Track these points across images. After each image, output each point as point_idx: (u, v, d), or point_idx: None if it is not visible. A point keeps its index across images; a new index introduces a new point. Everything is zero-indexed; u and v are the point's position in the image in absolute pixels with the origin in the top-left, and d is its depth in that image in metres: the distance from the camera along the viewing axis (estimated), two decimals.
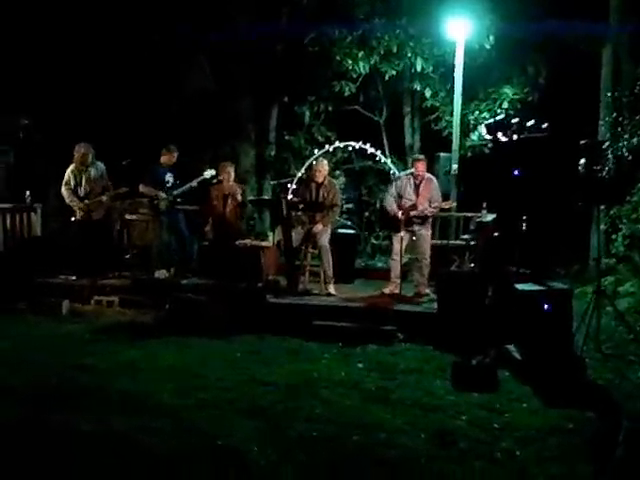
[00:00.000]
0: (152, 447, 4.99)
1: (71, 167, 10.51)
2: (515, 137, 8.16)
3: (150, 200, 10.51)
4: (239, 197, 10.21)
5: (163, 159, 10.62)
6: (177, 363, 7.17)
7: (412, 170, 9.67)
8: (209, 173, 10.43)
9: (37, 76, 12.66)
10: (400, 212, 9.49)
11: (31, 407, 5.78)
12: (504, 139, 8.24)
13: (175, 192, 10.45)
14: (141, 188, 10.52)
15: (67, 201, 10.47)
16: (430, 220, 9.77)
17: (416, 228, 9.58)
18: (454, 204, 10.18)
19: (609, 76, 12.16)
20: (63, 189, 10.45)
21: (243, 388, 6.39)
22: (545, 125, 8.22)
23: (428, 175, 9.77)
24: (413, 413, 5.85)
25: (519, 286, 7.54)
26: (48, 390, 6.23)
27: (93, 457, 4.85)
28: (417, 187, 9.65)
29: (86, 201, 10.41)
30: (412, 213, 9.51)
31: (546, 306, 7.04)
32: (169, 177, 10.52)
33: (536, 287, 7.41)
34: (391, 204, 9.67)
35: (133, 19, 12.73)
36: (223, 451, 4.99)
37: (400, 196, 9.65)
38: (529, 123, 8.21)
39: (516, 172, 8.24)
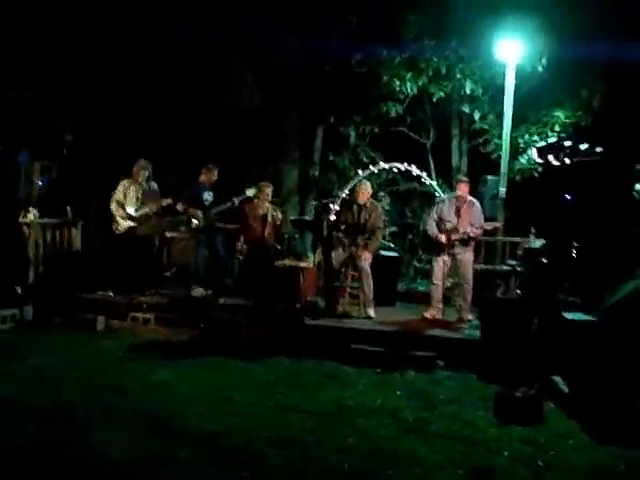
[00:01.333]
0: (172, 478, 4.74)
1: (124, 181, 10.49)
2: (567, 161, 7.82)
3: (187, 218, 10.37)
4: (277, 219, 10.03)
5: (202, 178, 10.53)
6: (209, 386, 6.96)
7: (455, 193, 9.39)
8: (251, 192, 10.28)
9: (82, 91, 12.67)
10: (442, 235, 9.20)
11: (58, 428, 5.62)
12: (556, 163, 7.90)
13: (214, 210, 10.32)
14: (179, 206, 10.42)
15: (114, 213, 10.40)
16: (472, 243, 9.46)
17: (457, 251, 9.29)
18: (498, 225, 9.82)
19: None
20: (113, 202, 10.40)
21: (275, 414, 6.14)
22: (599, 149, 7.87)
23: (470, 198, 9.51)
24: (452, 447, 5.52)
25: (568, 315, 7.18)
26: (77, 411, 6.06)
27: None
28: (459, 210, 9.39)
29: (134, 214, 10.34)
30: (454, 236, 9.22)
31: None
32: (208, 196, 10.42)
33: (585, 317, 7.04)
34: (432, 227, 9.43)
35: (181, 33, 12.69)
36: None
37: (441, 219, 9.39)
38: (582, 147, 7.86)
39: (568, 197, 7.89)
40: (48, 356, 7.94)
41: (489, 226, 9.49)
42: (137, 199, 10.43)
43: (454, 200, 9.44)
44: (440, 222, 9.40)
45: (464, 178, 9.86)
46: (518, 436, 5.82)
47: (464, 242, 9.27)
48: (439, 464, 5.16)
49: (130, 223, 10.39)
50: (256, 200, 10.13)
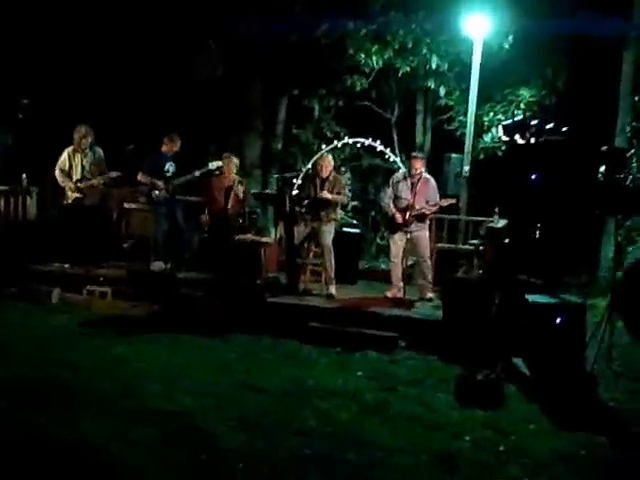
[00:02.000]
0: (124, 460, 4.60)
1: (68, 149, 10.18)
2: (533, 140, 7.74)
3: (148, 189, 10.13)
4: (240, 192, 9.84)
5: (164, 148, 10.24)
6: (166, 363, 6.79)
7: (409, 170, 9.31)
8: (214, 164, 10.06)
9: (39, 55, 12.30)
10: (398, 213, 9.13)
11: (6, 405, 5.41)
12: (521, 141, 7.81)
13: (176, 182, 10.08)
14: (139, 177, 10.15)
15: (59, 182, 10.13)
16: (427, 220, 9.39)
17: (413, 229, 9.21)
18: (454, 201, 9.73)
19: (629, 80, 11.78)
20: (57, 170, 10.11)
21: (234, 394, 6.00)
22: (565, 129, 7.80)
23: (425, 174, 9.38)
24: (414, 430, 5.45)
25: (531, 297, 7.15)
26: (27, 387, 5.85)
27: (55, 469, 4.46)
28: (414, 187, 9.26)
29: (78, 183, 10.04)
30: (409, 213, 9.14)
31: (559, 320, 6.66)
32: (170, 166, 10.15)
33: (549, 299, 7.02)
34: (388, 204, 9.33)
35: (143, 3, 12.36)
36: (206, 468, 4.61)
37: (397, 196, 9.29)
38: (548, 126, 7.78)
39: (533, 177, 7.82)
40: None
41: (445, 202, 9.38)
42: (82, 167, 10.11)
43: (409, 177, 9.33)
44: (396, 199, 9.29)
45: (418, 154, 9.77)
46: (480, 420, 5.77)
47: (419, 219, 9.19)
48: (401, 448, 5.08)
49: (77, 194, 10.10)
50: (221, 172, 9.92)
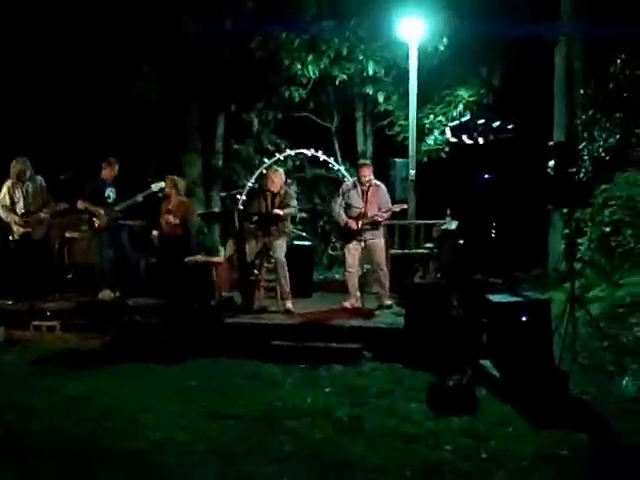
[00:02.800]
0: None
1: (7, 183, 9.80)
2: (481, 140, 7.69)
3: (89, 217, 9.79)
4: (187, 213, 9.60)
5: (104, 173, 9.94)
6: (126, 396, 6.45)
7: (358, 178, 9.19)
8: (157, 186, 9.81)
9: None
10: (351, 221, 8.99)
11: None
12: (469, 141, 7.76)
13: (118, 207, 9.78)
14: (79, 204, 9.82)
15: (3, 218, 9.76)
16: (382, 228, 9.26)
17: (368, 237, 9.06)
18: (406, 206, 9.65)
19: (562, 75, 11.94)
20: (0, 207, 9.72)
21: (201, 425, 5.72)
22: (511, 126, 7.78)
23: (375, 181, 9.26)
24: (392, 445, 5.27)
25: (493, 297, 7.06)
26: None
27: None
28: (364, 194, 9.12)
29: (25, 217, 9.66)
30: (362, 221, 9.00)
31: (523, 318, 6.58)
32: (110, 192, 9.86)
33: (511, 298, 6.94)
34: (340, 214, 9.17)
35: (73, 21, 12.00)
36: None
37: (348, 205, 9.14)
38: (495, 124, 7.75)
39: (485, 176, 7.77)
40: None
41: (397, 208, 9.29)
42: (26, 199, 9.76)
43: (359, 185, 9.19)
44: (347, 208, 9.15)
45: (365, 161, 9.73)
46: (457, 428, 5.62)
47: (374, 226, 9.06)
48: (382, 466, 4.89)
49: (23, 228, 9.73)
50: (164, 195, 9.67)
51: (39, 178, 9.92)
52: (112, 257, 9.86)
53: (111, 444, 5.30)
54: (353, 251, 9.10)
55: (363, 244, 9.06)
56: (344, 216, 9.11)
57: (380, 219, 9.08)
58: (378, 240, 9.15)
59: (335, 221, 9.44)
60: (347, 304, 9.09)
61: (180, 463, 4.96)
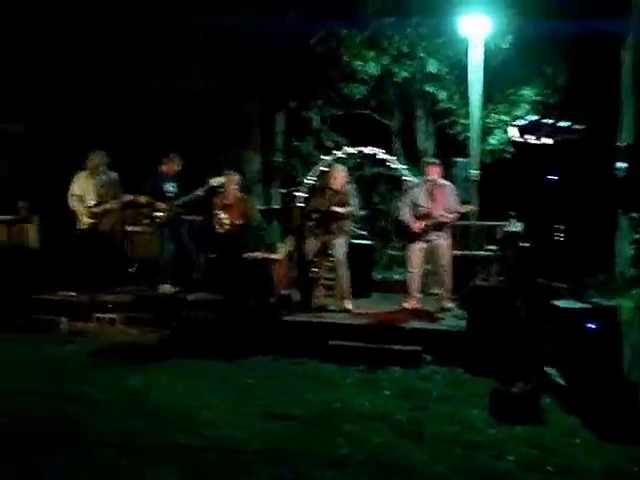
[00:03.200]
0: None
1: (81, 174, 9.96)
2: (548, 140, 7.47)
3: (150, 211, 9.84)
4: (244, 209, 9.57)
5: (164, 168, 9.97)
6: (183, 392, 6.45)
7: (425, 177, 9.00)
8: (217, 181, 9.77)
9: (32, 80, 12.00)
10: (414, 221, 8.82)
11: (14, 448, 5.07)
12: (535, 142, 7.55)
13: (178, 202, 9.80)
14: (141, 199, 9.88)
15: (73, 207, 9.89)
16: (447, 228, 9.04)
17: (433, 237, 8.86)
18: (473, 207, 9.41)
19: (630, 73, 11.57)
20: (70, 196, 9.88)
21: (258, 424, 5.66)
22: (578, 127, 7.54)
23: (442, 181, 9.05)
24: (453, 453, 5.14)
25: (559, 303, 6.86)
26: (37, 426, 5.51)
27: None
28: (431, 194, 8.92)
29: (93, 208, 9.79)
30: (428, 222, 8.81)
31: (591, 325, 6.37)
32: (170, 187, 9.88)
33: (578, 304, 6.73)
34: (405, 213, 8.98)
35: (133, 18, 12.08)
36: None
37: (415, 205, 8.94)
38: (562, 124, 7.52)
39: (551, 177, 7.54)
40: (5, 364, 7.35)
41: (464, 209, 9.10)
42: (96, 192, 9.88)
43: (426, 184, 8.99)
44: (413, 207, 8.95)
45: (433, 160, 9.34)
46: (520, 437, 5.45)
47: (438, 227, 8.86)
48: (442, 474, 4.76)
49: (92, 219, 9.85)
50: (223, 190, 9.64)
51: (114, 173, 10.03)
52: (172, 251, 9.89)
53: (166, 439, 5.28)
54: (417, 251, 8.92)
55: (425, 245, 8.91)
56: (408, 216, 8.93)
57: (446, 220, 8.87)
58: (443, 240, 8.93)
59: (399, 220, 9.26)
60: (407, 305, 8.94)
61: (234, 461, 4.90)
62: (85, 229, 9.87)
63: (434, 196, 8.92)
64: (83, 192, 9.87)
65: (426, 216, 8.86)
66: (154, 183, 9.91)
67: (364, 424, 5.71)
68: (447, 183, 9.13)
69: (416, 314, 8.66)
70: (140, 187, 9.95)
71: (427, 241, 8.91)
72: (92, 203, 9.85)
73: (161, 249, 9.90)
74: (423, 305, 8.93)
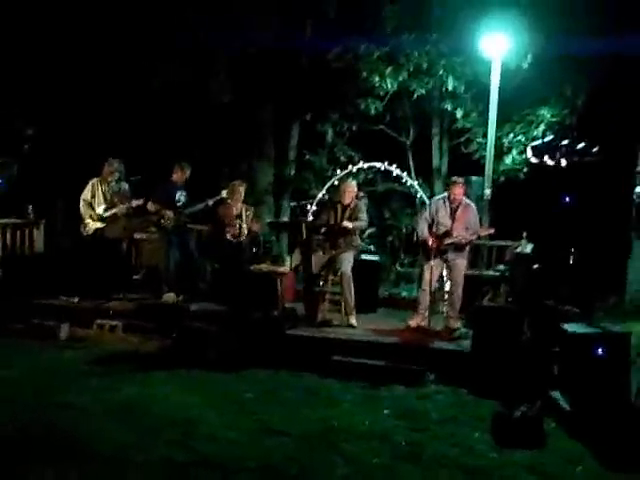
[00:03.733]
0: None
1: (94, 180, 9.92)
2: (564, 161, 7.32)
3: (157, 219, 9.76)
4: (250, 222, 9.48)
5: (175, 177, 9.91)
6: (180, 404, 6.34)
7: (446, 194, 8.87)
8: (227, 192, 9.71)
9: (44, 85, 11.98)
10: (431, 239, 8.68)
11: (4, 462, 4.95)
12: (551, 162, 7.40)
13: (187, 211, 9.73)
14: (149, 206, 9.81)
15: (82, 214, 9.84)
16: (467, 249, 8.90)
17: (450, 257, 8.72)
18: (493, 231, 9.21)
19: None
20: (81, 200, 9.84)
21: (253, 439, 5.55)
22: (596, 149, 7.38)
23: (466, 200, 8.90)
24: (452, 477, 5.00)
25: (568, 327, 6.71)
26: (26, 436, 5.41)
27: None
28: (453, 213, 8.76)
29: (103, 214, 9.75)
30: (446, 241, 8.67)
31: (600, 351, 6.21)
32: (180, 195, 9.82)
33: (587, 329, 6.57)
34: (423, 229, 8.85)
35: (149, 24, 12.04)
36: None
37: (434, 221, 8.80)
38: (579, 146, 7.37)
39: (567, 199, 7.39)
40: (2, 369, 7.27)
41: (484, 232, 8.95)
42: (106, 199, 9.85)
43: (448, 202, 8.83)
44: (434, 225, 8.80)
45: (459, 179, 9.07)
46: (522, 463, 5.31)
47: (458, 248, 8.71)
48: None
49: (98, 224, 9.79)
50: (229, 201, 9.57)
51: (125, 184, 10.01)
52: (178, 260, 9.81)
53: (158, 454, 5.16)
54: (433, 269, 8.78)
55: (445, 263, 8.78)
56: (426, 232, 8.79)
57: (465, 241, 8.72)
58: (460, 261, 8.80)
59: (417, 236, 9.12)
60: (412, 322, 8.80)
61: (228, 479, 4.76)
62: (90, 235, 9.79)
63: (456, 215, 8.78)
64: (92, 198, 9.83)
65: (446, 234, 8.72)
66: (164, 191, 9.86)
67: (362, 444, 5.59)
68: (470, 203, 8.98)
69: (421, 332, 8.52)
70: (151, 194, 9.87)
71: (445, 260, 8.80)
72: (101, 209, 9.78)
73: (167, 257, 9.82)
74: (430, 324, 8.77)
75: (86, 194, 9.85)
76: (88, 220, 9.81)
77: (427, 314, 8.80)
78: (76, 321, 9.26)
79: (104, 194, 9.87)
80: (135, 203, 9.83)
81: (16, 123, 11.96)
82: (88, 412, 6.03)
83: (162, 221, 9.71)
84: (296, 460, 5.15)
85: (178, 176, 9.92)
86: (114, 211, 9.82)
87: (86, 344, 8.68)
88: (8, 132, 11.84)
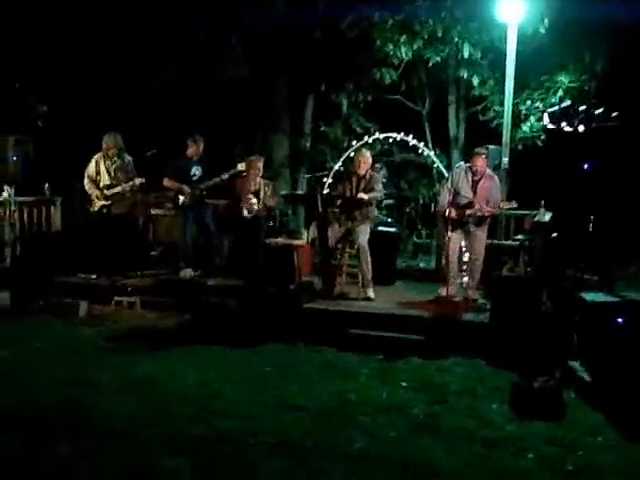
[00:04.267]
0: None
1: (96, 156, 9.84)
2: (582, 127, 7.18)
3: (174, 194, 9.72)
4: (268, 197, 9.41)
5: (189, 151, 9.82)
6: (197, 380, 6.34)
7: (468, 164, 8.73)
8: (243, 166, 9.64)
9: (58, 60, 11.92)
10: (451, 210, 8.53)
11: (22, 435, 4.98)
12: (568, 129, 7.26)
13: (203, 185, 9.67)
14: (165, 182, 9.76)
15: (87, 189, 9.80)
16: (488, 220, 8.77)
17: (472, 228, 8.62)
18: (514, 204, 9.04)
19: None
20: (85, 177, 9.80)
21: (270, 414, 5.54)
22: (615, 114, 7.22)
23: (489, 172, 8.75)
24: (470, 449, 4.96)
25: (587, 296, 6.62)
26: (45, 412, 5.43)
27: None
28: (475, 184, 8.62)
29: (105, 191, 9.68)
30: (468, 212, 8.54)
31: (620, 320, 6.13)
32: (196, 170, 9.74)
33: (607, 298, 6.49)
34: (444, 199, 8.74)
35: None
36: None
37: (457, 193, 8.63)
38: (597, 111, 7.22)
39: (586, 166, 7.25)
40: (21, 347, 7.33)
41: (506, 205, 8.79)
42: (110, 175, 9.76)
43: (470, 173, 8.67)
44: (456, 195, 8.62)
45: (482, 150, 8.91)
46: (541, 434, 5.26)
47: (479, 220, 8.62)
48: (459, 471, 4.59)
49: (103, 202, 9.75)
50: (246, 175, 9.50)
51: (128, 157, 9.90)
52: (195, 236, 9.78)
53: (175, 429, 5.17)
54: (455, 240, 8.71)
55: (466, 233, 8.70)
56: (446, 202, 8.64)
57: (486, 214, 8.60)
58: (481, 232, 8.70)
59: (439, 206, 9.07)
60: (443, 292, 8.68)
61: (243, 454, 4.77)
62: (96, 212, 9.77)
63: (477, 187, 8.64)
64: (96, 174, 9.77)
65: (467, 206, 8.60)
66: (179, 166, 9.79)
67: (379, 417, 5.57)
68: (494, 176, 8.85)
69: (439, 304, 8.45)
70: (164, 170, 9.82)
71: (466, 231, 8.71)
72: (105, 185, 9.74)
73: (184, 233, 9.79)
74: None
75: (89, 170, 9.79)
76: (93, 197, 9.78)
77: (456, 283, 8.74)
78: (94, 298, 9.29)
79: (107, 170, 9.76)
80: (139, 181, 9.76)
81: (29, 100, 11.87)
82: (105, 388, 6.05)
83: (178, 196, 9.65)
84: (313, 434, 5.13)
85: (193, 150, 9.83)
86: (117, 190, 9.75)
87: (104, 321, 8.71)
88: (21, 108, 11.79)
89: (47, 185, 10.70)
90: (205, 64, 12.57)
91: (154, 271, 10.01)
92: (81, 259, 9.74)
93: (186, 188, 9.63)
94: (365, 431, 5.23)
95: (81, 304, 9.09)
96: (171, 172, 9.76)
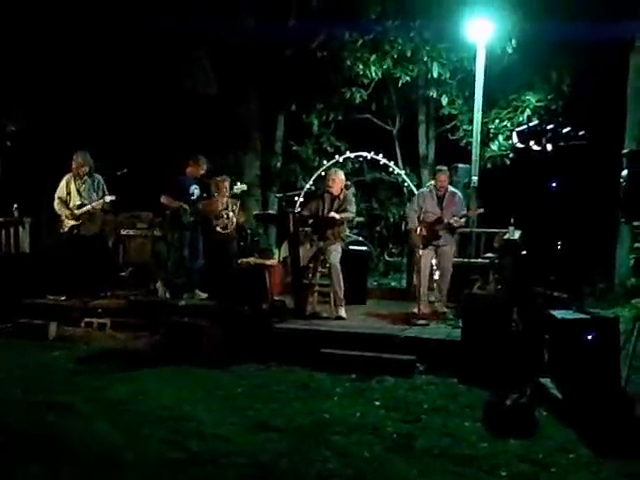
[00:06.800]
0: None
1: (67, 176, 9.78)
2: (550, 146, 7.28)
3: (173, 213, 9.61)
4: (236, 217, 9.41)
5: (189, 170, 9.75)
6: (170, 401, 6.27)
7: (433, 183, 9.06)
8: (239, 188, 9.67)
9: (26, 80, 11.84)
10: (422, 228, 8.97)
11: None
12: (537, 148, 7.36)
13: (200, 206, 9.60)
14: (162, 199, 9.60)
15: (57, 210, 9.74)
16: (455, 235, 9.25)
17: (441, 243, 9.04)
18: (481, 210, 9.49)
19: (636, 79, 11.41)
20: (55, 199, 9.72)
21: (244, 435, 5.48)
22: (583, 132, 7.33)
23: (452, 188, 9.32)
24: (444, 467, 4.95)
25: (557, 313, 6.67)
26: (12, 436, 5.30)
27: None
28: (440, 201, 9.12)
29: (75, 211, 9.59)
30: (438, 227, 8.95)
31: (590, 337, 6.19)
32: (194, 189, 9.68)
33: (577, 315, 6.55)
34: (413, 218, 9.15)
35: (131, 16, 11.91)
36: None
37: (423, 210, 9.12)
38: (565, 130, 7.33)
39: (554, 184, 7.35)
40: None
41: (473, 213, 9.50)
42: (80, 195, 9.69)
43: (435, 190, 9.19)
44: (422, 213, 9.10)
45: (443, 168, 9.55)
46: (513, 451, 5.27)
47: (450, 231, 9.06)
48: None
49: (72, 222, 9.68)
50: (214, 195, 9.50)
51: (99, 177, 9.83)
52: (179, 259, 9.67)
53: (148, 452, 5.10)
54: (426, 256, 8.97)
55: (435, 249, 9.05)
56: (416, 221, 9.07)
57: (456, 225, 9.05)
58: (449, 247, 9.14)
59: (408, 227, 9.41)
60: (416, 310, 8.75)
61: (216, 476, 4.72)
62: (66, 232, 9.70)
63: (443, 203, 9.11)
64: (66, 194, 9.70)
65: (435, 222, 9.00)
66: (179, 184, 9.69)
67: (353, 437, 5.54)
68: (456, 191, 9.36)
69: (410, 322, 8.48)
70: (161, 188, 9.71)
71: (435, 246, 9.04)
72: (75, 205, 9.67)
73: (169, 252, 9.69)
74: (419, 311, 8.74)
75: (60, 191, 9.73)
76: (64, 218, 9.70)
77: (426, 299, 8.84)
78: (64, 320, 9.18)
79: (77, 189, 9.70)
80: (109, 198, 9.71)
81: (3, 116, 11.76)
82: (77, 411, 5.95)
83: (183, 216, 9.53)
84: (287, 454, 5.09)
85: (193, 170, 9.76)
86: (86, 208, 9.68)
87: (75, 343, 8.62)
88: None
89: (15, 206, 10.57)
90: (172, 79, 12.57)
91: (124, 292, 9.93)
92: (50, 280, 9.65)
93: (186, 206, 9.53)
94: (339, 451, 5.19)
95: (50, 326, 8.98)
96: (170, 190, 9.65)
